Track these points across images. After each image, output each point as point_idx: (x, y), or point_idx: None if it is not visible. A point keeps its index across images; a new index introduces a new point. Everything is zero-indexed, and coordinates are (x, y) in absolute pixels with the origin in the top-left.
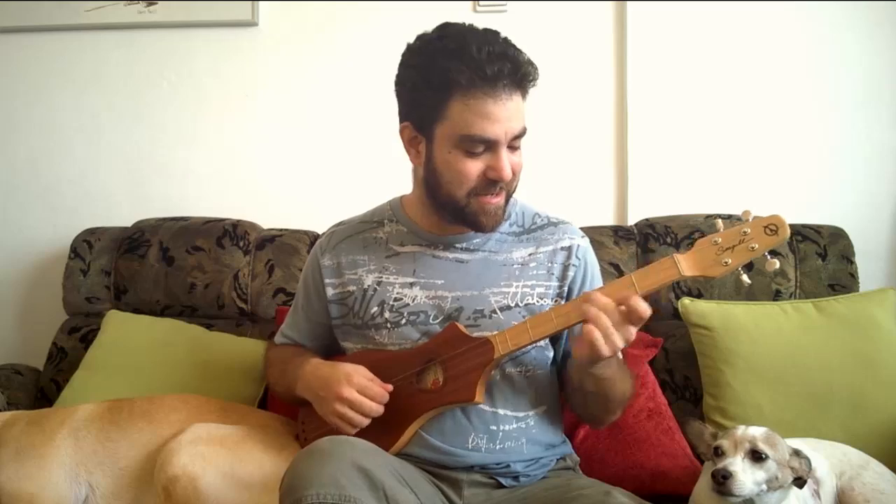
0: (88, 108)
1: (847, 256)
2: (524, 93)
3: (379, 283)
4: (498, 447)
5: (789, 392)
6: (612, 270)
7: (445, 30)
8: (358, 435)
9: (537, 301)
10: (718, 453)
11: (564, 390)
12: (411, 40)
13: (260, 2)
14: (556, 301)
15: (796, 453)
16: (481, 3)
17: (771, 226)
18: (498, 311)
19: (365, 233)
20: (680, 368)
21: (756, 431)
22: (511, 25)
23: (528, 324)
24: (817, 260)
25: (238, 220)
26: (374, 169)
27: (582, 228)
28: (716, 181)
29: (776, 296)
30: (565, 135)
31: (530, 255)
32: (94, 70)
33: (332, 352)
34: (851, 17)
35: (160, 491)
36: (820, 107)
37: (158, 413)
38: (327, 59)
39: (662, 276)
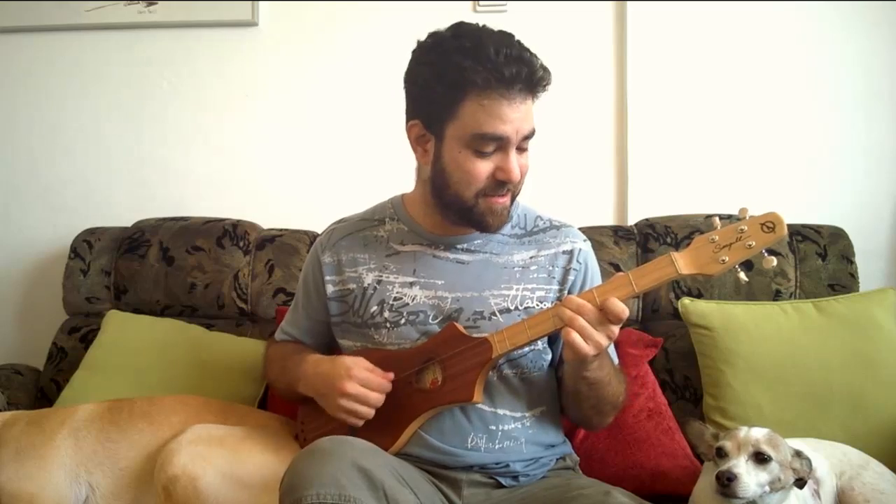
0: (89, 109)
1: (847, 256)
2: (535, 97)
3: (379, 282)
4: (497, 447)
5: (789, 392)
6: (612, 270)
7: (460, 28)
8: (357, 435)
9: (537, 304)
10: (721, 455)
11: (559, 392)
12: (414, 39)
13: (260, 2)
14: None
15: (798, 454)
16: (481, 3)
17: (768, 223)
18: (497, 314)
19: (365, 231)
20: (680, 368)
21: (759, 433)
22: (511, 25)
23: (525, 323)
24: (817, 260)
25: (238, 220)
26: (374, 169)
27: (582, 228)
28: (716, 181)
29: (776, 296)
30: (565, 135)
31: (531, 258)
32: (95, 70)
33: (332, 349)
34: (850, 17)
35: (160, 491)
36: (819, 107)
37: (158, 414)
38: (327, 59)
39: (660, 273)
